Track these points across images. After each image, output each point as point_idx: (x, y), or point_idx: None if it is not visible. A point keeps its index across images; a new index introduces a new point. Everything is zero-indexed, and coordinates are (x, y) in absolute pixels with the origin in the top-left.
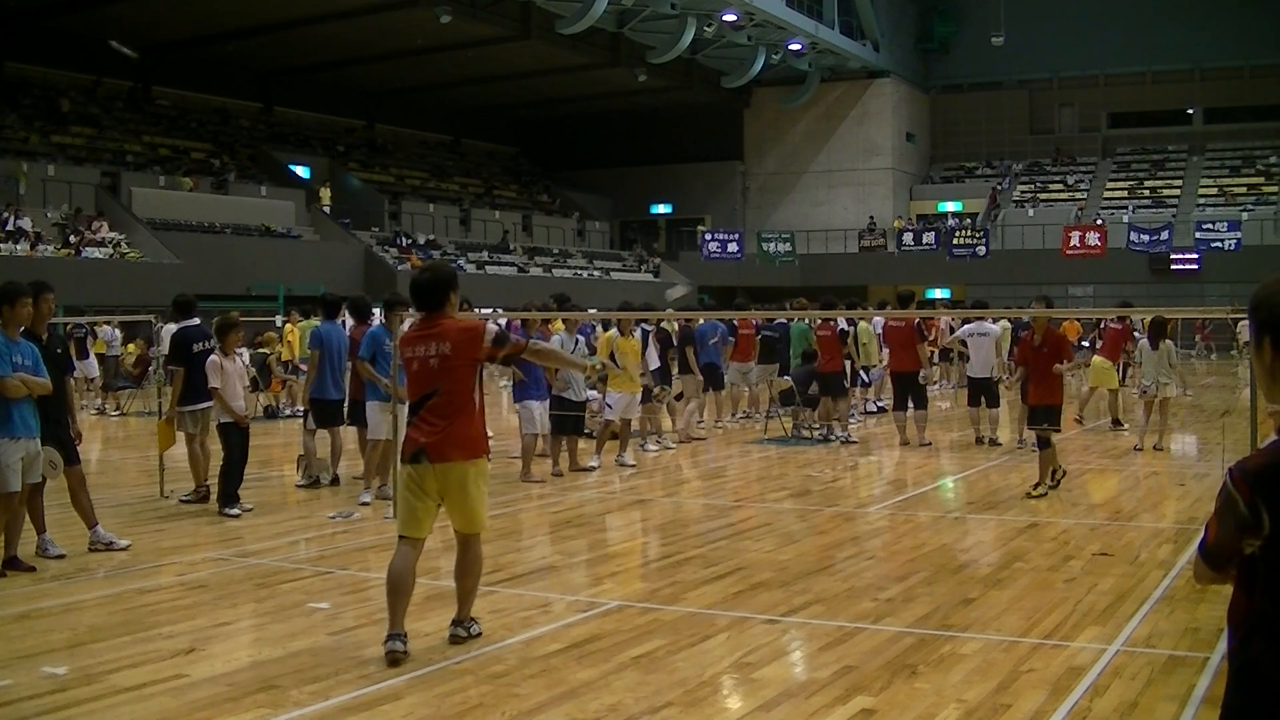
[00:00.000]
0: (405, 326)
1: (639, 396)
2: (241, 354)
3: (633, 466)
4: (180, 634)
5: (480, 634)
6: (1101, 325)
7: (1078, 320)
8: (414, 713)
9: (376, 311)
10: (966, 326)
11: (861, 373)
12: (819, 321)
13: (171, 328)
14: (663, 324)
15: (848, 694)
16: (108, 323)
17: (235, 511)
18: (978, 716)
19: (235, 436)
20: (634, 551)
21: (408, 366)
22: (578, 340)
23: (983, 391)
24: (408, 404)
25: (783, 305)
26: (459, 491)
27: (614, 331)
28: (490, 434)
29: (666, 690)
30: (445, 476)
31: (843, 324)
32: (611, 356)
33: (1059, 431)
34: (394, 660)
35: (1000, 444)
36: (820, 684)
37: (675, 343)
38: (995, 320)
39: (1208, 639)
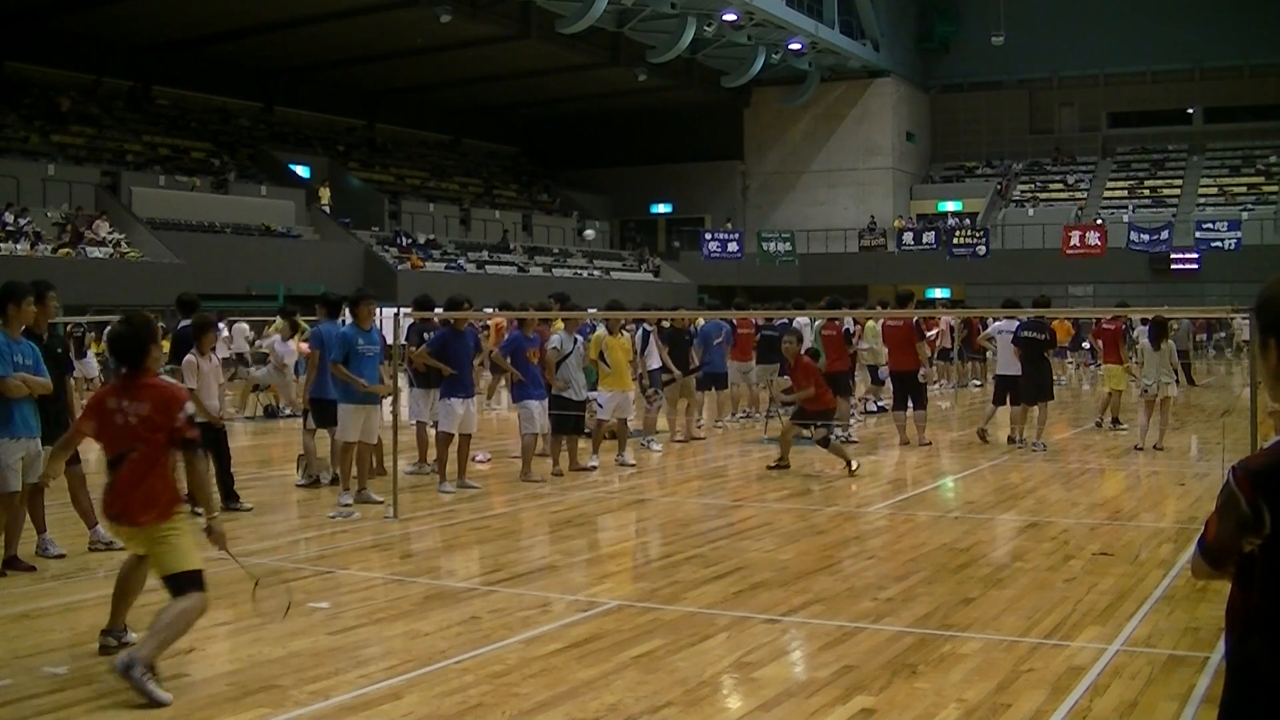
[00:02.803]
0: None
1: (631, 395)
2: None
3: (633, 466)
4: None
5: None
6: (1095, 325)
7: (1068, 321)
8: (414, 713)
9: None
10: (996, 324)
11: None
12: (823, 321)
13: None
14: (663, 323)
15: (848, 694)
16: (107, 322)
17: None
18: (978, 716)
19: (209, 437)
20: (634, 551)
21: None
22: (576, 340)
23: (1010, 388)
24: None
25: (783, 305)
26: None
27: (602, 330)
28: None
29: (666, 690)
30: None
31: (848, 324)
32: (601, 356)
33: (830, 430)
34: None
35: (1020, 441)
36: (820, 684)
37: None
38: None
39: (1208, 639)
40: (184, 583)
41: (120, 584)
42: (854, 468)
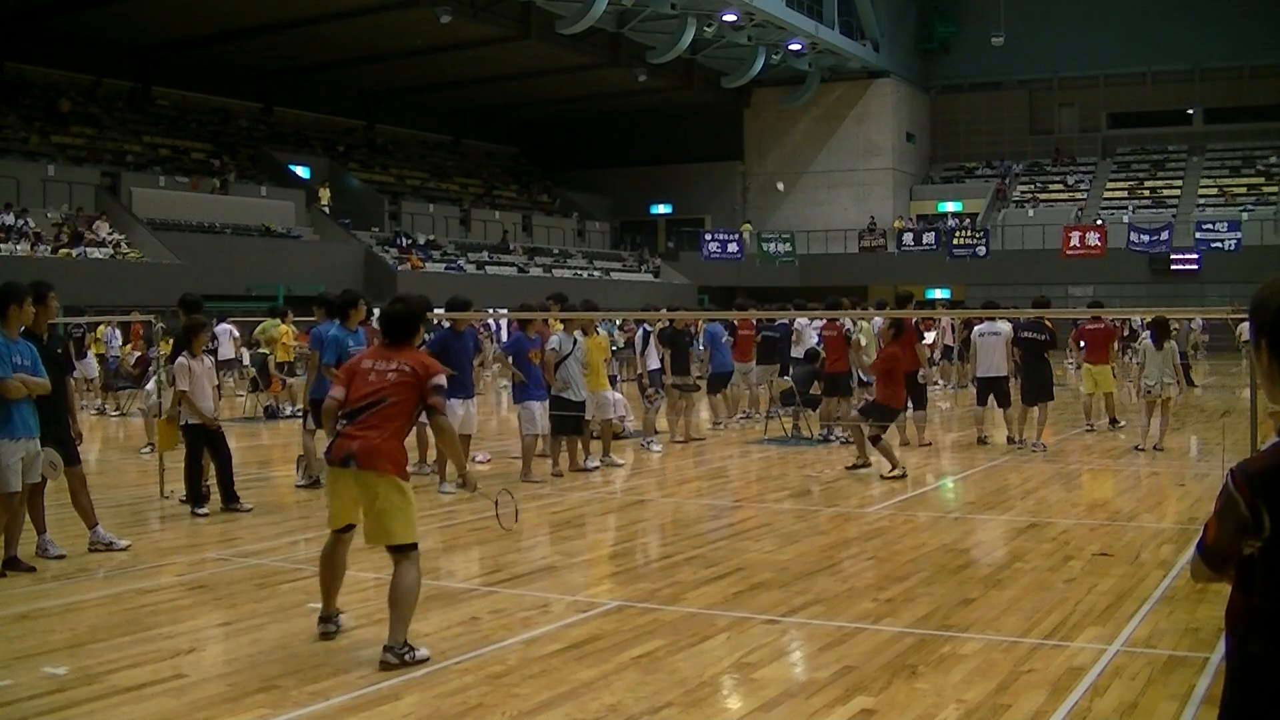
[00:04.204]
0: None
1: (609, 394)
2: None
3: (620, 465)
4: (180, 634)
5: (421, 659)
6: (1079, 327)
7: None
8: (414, 713)
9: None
10: (978, 326)
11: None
12: (824, 321)
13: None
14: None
15: (848, 694)
16: (106, 322)
17: (204, 511)
18: (978, 716)
19: (202, 439)
20: (634, 551)
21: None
22: (575, 341)
23: (992, 391)
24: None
25: (784, 305)
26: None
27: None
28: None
29: (666, 690)
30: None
31: (848, 325)
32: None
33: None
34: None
35: (1020, 442)
36: (820, 684)
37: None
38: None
39: (1208, 639)
40: (407, 550)
41: (328, 565)
42: (899, 473)
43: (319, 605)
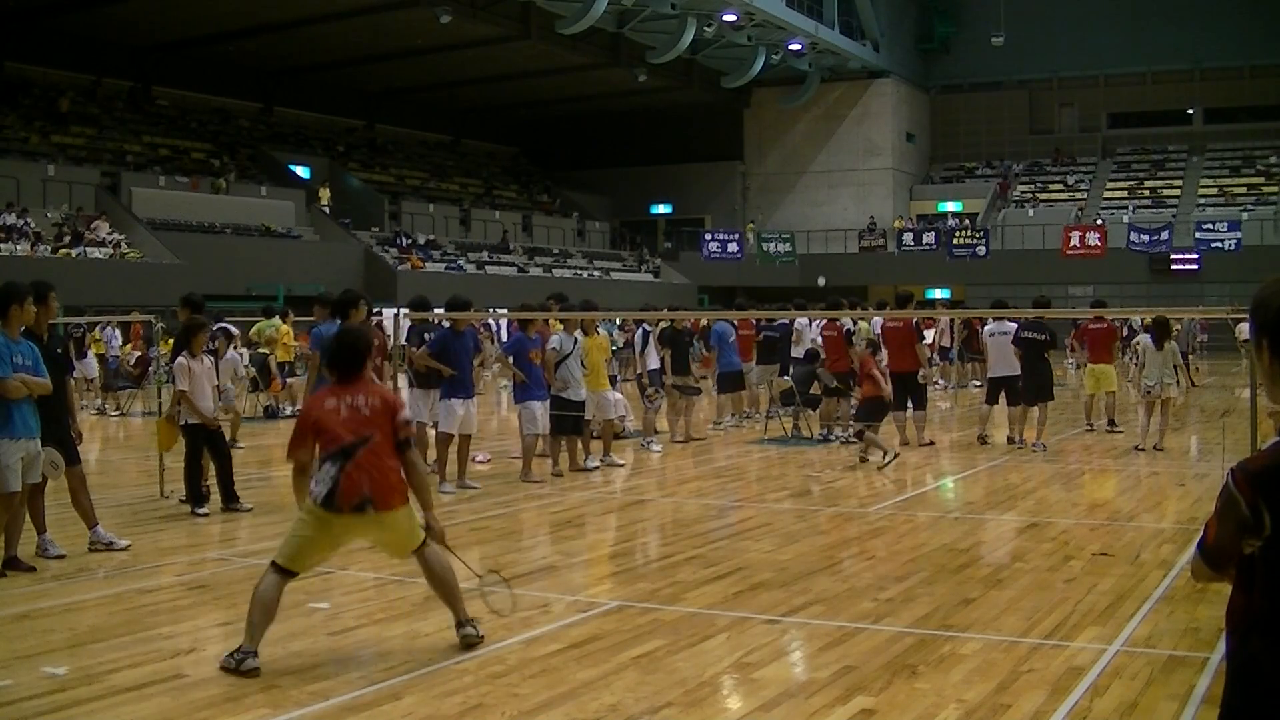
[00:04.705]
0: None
1: (609, 395)
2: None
3: (620, 465)
4: (180, 634)
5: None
6: (1080, 327)
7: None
8: (414, 713)
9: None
10: (987, 326)
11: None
12: (824, 322)
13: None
14: (664, 324)
15: (848, 694)
16: (106, 322)
17: (204, 511)
18: (978, 716)
19: (202, 438)
20: (634, 551)
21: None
22: (575, 340)
23: (1004, 389)
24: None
25: (784, 305)
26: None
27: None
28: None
29: (666, 690)
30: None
31: (848, 324)
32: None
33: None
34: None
35: (1020, 442)
36: (820, 684)
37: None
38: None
39: (1208, 639)
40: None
41: (267, 606)
42: (888, 459)
43: (319, 605)
